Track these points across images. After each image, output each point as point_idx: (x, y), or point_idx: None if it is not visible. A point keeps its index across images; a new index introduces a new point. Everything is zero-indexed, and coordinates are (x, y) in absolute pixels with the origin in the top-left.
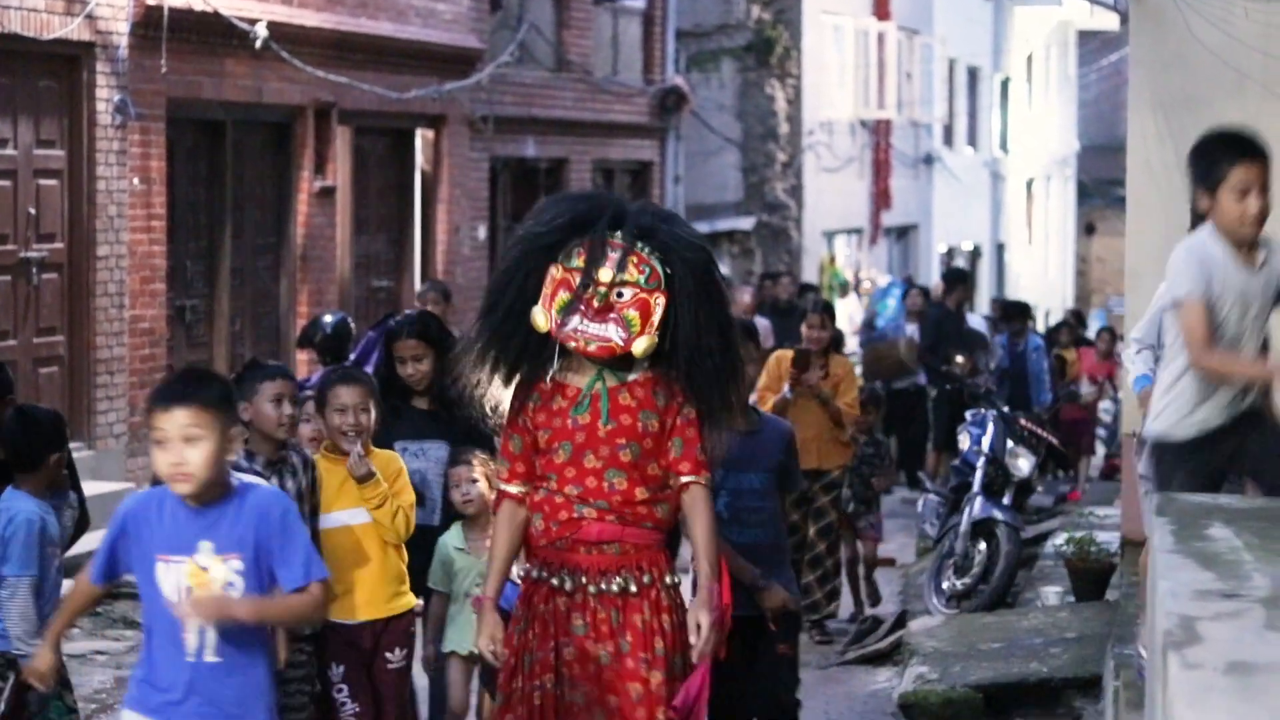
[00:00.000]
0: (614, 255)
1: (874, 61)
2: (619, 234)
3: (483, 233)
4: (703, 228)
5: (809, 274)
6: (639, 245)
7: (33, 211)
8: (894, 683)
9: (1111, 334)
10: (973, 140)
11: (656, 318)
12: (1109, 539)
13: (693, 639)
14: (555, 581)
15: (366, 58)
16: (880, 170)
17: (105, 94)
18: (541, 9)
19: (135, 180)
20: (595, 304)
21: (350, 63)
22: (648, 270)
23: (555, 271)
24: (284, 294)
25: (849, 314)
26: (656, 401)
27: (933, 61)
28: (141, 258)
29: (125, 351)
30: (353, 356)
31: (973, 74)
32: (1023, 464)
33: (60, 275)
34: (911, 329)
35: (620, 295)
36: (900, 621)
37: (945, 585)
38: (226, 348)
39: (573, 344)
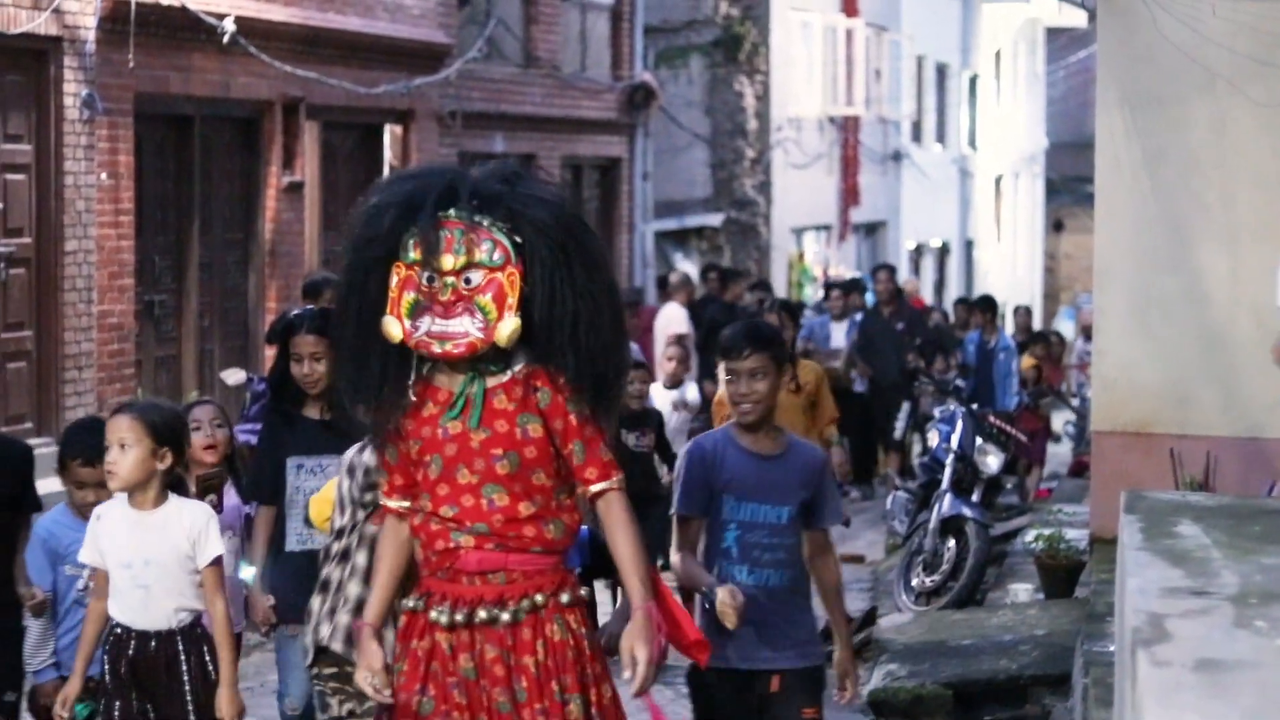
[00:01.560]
0: (451, 237)
1: (842, 58)
2: (453, 211)
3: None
4: (672, 224)
5: (778, 270)
6: (479, 219)
7: (0, 206)
8: (863, 679)
9: (1061, 339)
10: (941, 137)
11: (514, 297)
12: (1078, 536)
13: (627, 674)
14: (434, 614)
15: (335, 53)
16: (849, 167)
17: (73, 88)
18: (509, 5)
19: (103, 175)
20: (443, 298)
21: (318, 58)
22: (491, 245)
23: (399, 270)
24: (252, 289)
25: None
26: (537, 401)
27: (901, 58)
28: (110, 253)
29: (94, 347)
30: None
31: (941, 71)
32: (991, 461)
33: (28, 270)
34: (839, 328)
35: (469, 282)
36: (869, 618)
37: (914, 582)
38: (195, 343)
39: (429, 350)
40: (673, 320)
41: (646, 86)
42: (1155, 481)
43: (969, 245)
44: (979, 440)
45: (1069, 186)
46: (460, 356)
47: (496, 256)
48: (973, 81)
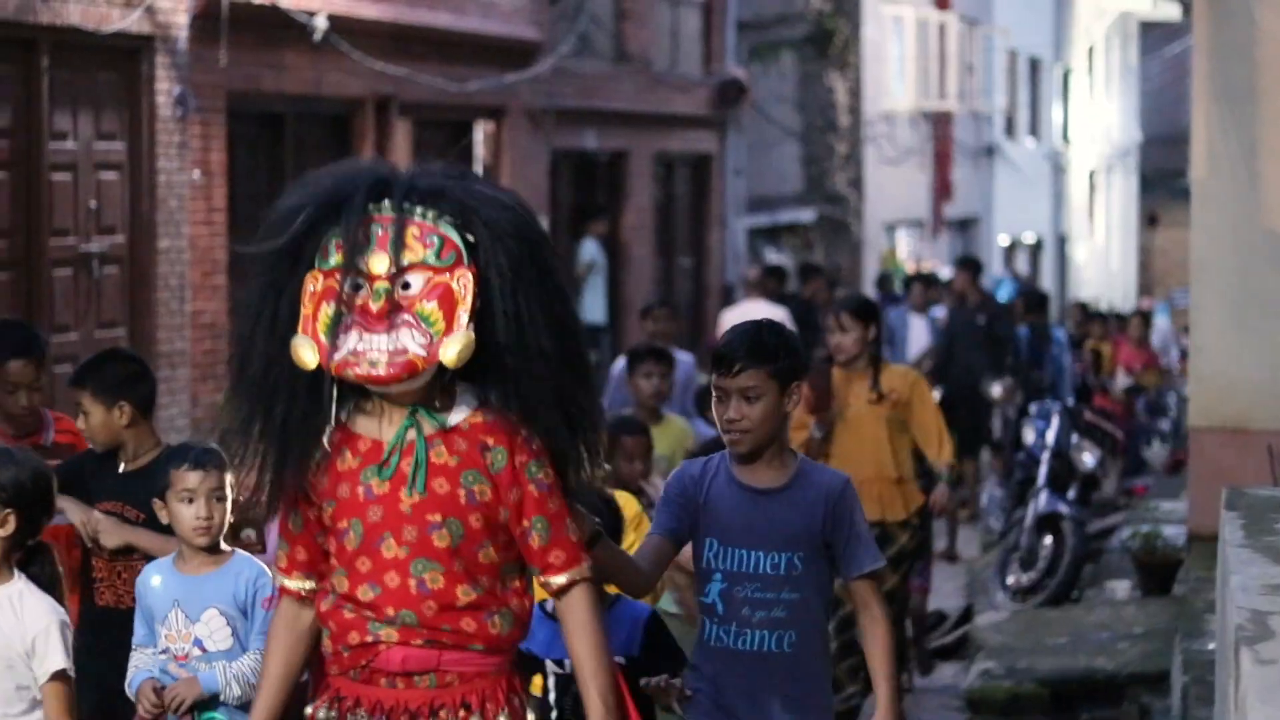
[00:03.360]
0: (385, 233)
1: (935, 52)
2: (386, 204)
3: (545, 224)
4: (763, 220)
5: (869, 266)
6: (419, 212)
7: (94, 205)
8: (960, 677)
9: (1145, 319)
10: (1034, 131)
11: (467, 305)
12: (1175, 533)
13: None
14: None
15: (426, 49)
16: (941, 162)
17: (165, 87)
18: (600, 1)
19: (196, 173)
20: (374, 306)
21: (410, 55)
22: (438, 241)
23: (312, 283)
24: None
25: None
26: (487, 460)
27: (994, 52)
28: (202, 251)
29: (187, 345)
30: None
31: (1034, 65)
32: (1087, 458)
33: (121, 268)
34: (918, 322)
35: (407, 287)
36: (966, 616)
37: (1011, 580)
38: None
39: (354, 372)
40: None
41: (738, 82)
42: (1253, 478)
43: (1062, 241)
44: (1075, 437)
45: (1163, 181)
46: (395, 380)
47: (446, 255)
48: (1066, 75)
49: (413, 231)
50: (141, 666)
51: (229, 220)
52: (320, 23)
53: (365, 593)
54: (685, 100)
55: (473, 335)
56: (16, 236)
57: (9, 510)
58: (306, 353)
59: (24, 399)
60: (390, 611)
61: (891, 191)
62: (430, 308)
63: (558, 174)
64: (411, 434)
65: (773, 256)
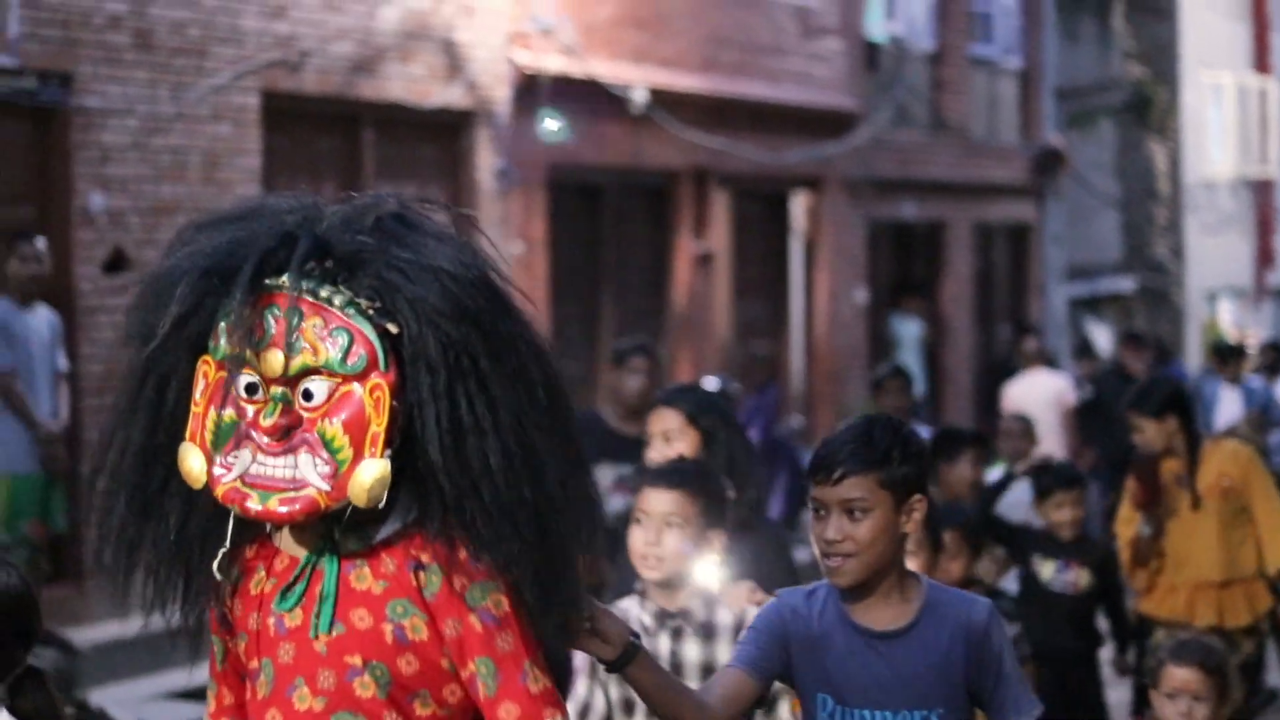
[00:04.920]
0: (281, 321)
1: (1255, 118)
2: (286, 279)
3: (862, 296)
4: (1083, 289)
5: (1191, 336)
6: (327, 293)
7: None
8: None
9: None
10: None
11: (380, 425)
12: None
13: None
14: None
15: (743, 120)
16: (1264, 228)
17: (487, 160)
18: (917, 70)
19: (518, 245)
20: (266, 421)
21: (727, 126)
22: (345, 339)
23: (206, 371)
24: (664, 359)
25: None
26: (420, 582)
27: None
28: None
29: None
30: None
31: None
32: None
33: None
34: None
35: (309, 396)
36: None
37: None
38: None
39: (243, 506)
40: (1035, 391)
41: (1056, 150)
42: None
43: None
44: None
45: None
46: (291, 520)
47: (354, 359)
48: None
49: (314, 324)
50: None
51: (550, 292)
52: (639, 95)
53: None
54: (1003, 169)
55: (387, 464)
56: None
57: None
58: (193, 465)
59: None
60: None
61: (1213, 259)
62: (334, 429)
63: (876, 244)
64: (321, 561)
65: (1093, 327)
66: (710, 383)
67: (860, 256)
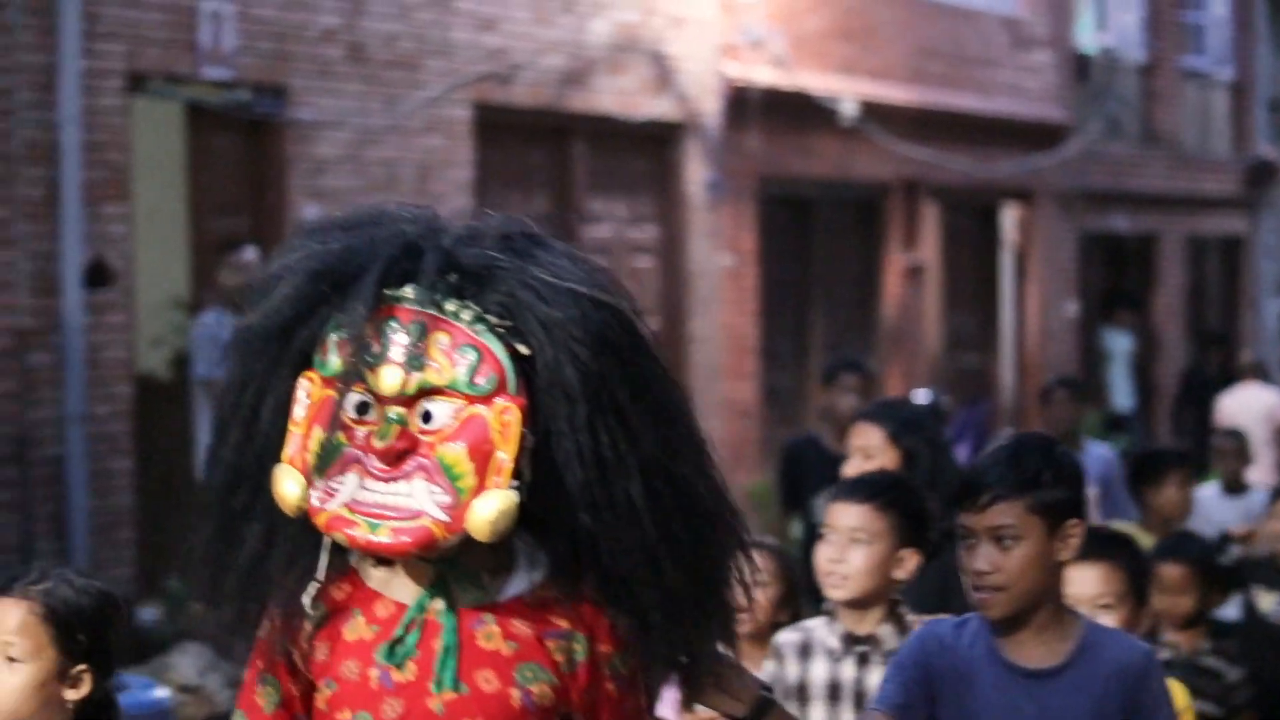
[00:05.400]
0: (400, 337)
1: None
2: (410, 291)
3: (1073, 309)
4: None
5: None
6: (452, 309)
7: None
8: None
9: None
10: None
11: (510, 450)
12: None
13: None
14: None
15: (954, 132)
16: None
17: (696, 172)
18: (1128, 82)
19: (728, 258)
20: (381, 443)
21: (937, 138)
22: (473, 356)
23: (310, 385)
24: (875, 373)
25: None
26: (558, 651)
27: None
28: (734, 336)
29: (719, 427)
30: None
31: None
32: None
33: None
34: None
35: (428, 418)
36: None
37: None
38: (816, 426)
39: (347, 534)
40: (1247, 405)
41: (1269, 162)
42: None
43: None
44: None
45: None
46: (402, 553)
47: (482, 379)
48: None
49: (440, 340)
50: None
51: (759, 305)
52: (849, 107)
53: None
54: (1215, 181)
55: (514, 498)
56: None
57: (82, 665)
58: (290, 490)
59: None
60: None
61: None
62: (456, 454)
63: (1087, 257)
64: (436, 604)
65: None
66: (920, 396)
67: (1071, 269)
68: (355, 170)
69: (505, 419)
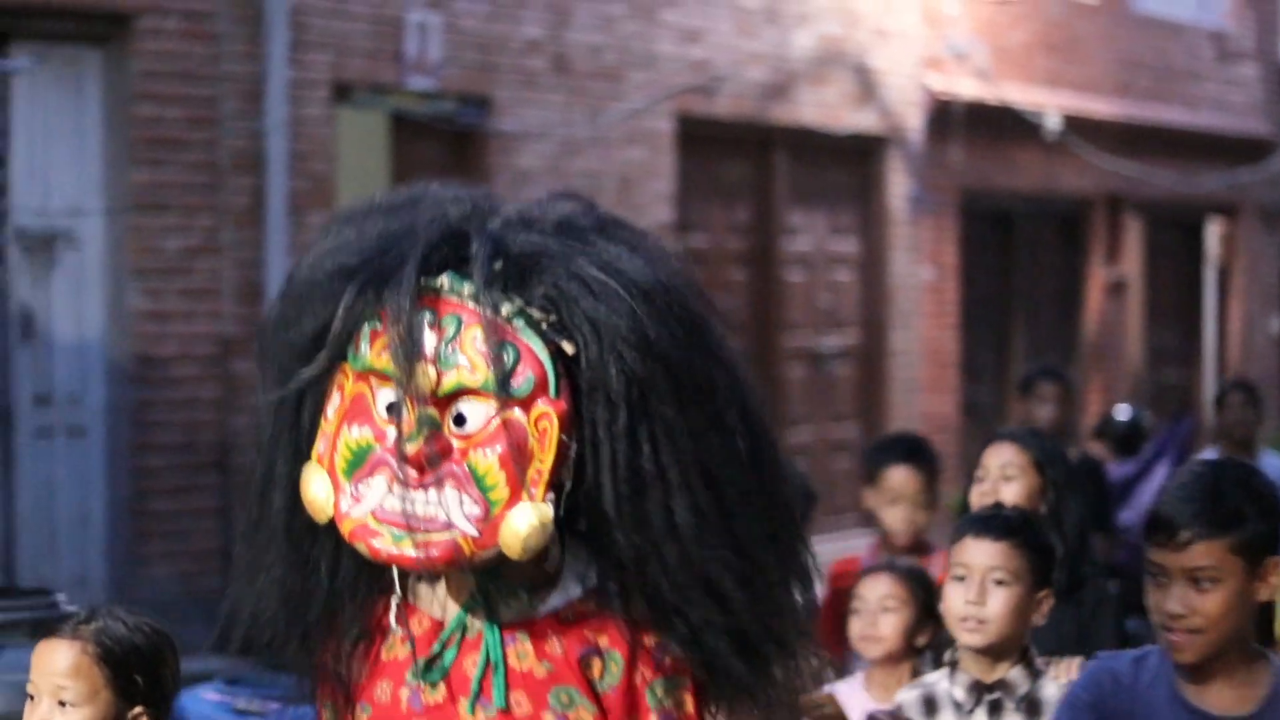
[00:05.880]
0: (440, 330)
1: None
2: (447, 281)
3: (1276, 325)
4: None
5: None
6: (492, 300)
7: (827, 301)
8: None
9: None
10: None
11: (547, 460)
12: None
13: None
14: None
15: (1158, 147)
16: None
17: (899, 185)
18: None
19: (929, 271)
20: (409, 447)
21: (1141, 152)
22: (511, 355)
23: (342, 382)
24: (1075, 384)
25: None
26: (593, 671)
27: None
28: (934, 349)
29: None
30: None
31: None
32: None
33: (854, 363)
34: None
35: (461, 422)
36: None
37: None
38: None
39: (372, 545)
40: None
41: None
42: None
43: None
44: None
45: None
46: (429, 567)
47: (519, 381)
48: None
49: (476, 336)
50: None
51: (960, 319)
52: (1053, 121)
53: None
54: None
55: (549, 511)
56: (752, 332)
57: (139, 708)
58: (318, 492)
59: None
60: None
61: None
62: (488, 462)
63: None
64: (476, 620)
65: None
66: (1122, 412)
67: (1275, 284)
68: (557, 181)
69: (542, 426)
